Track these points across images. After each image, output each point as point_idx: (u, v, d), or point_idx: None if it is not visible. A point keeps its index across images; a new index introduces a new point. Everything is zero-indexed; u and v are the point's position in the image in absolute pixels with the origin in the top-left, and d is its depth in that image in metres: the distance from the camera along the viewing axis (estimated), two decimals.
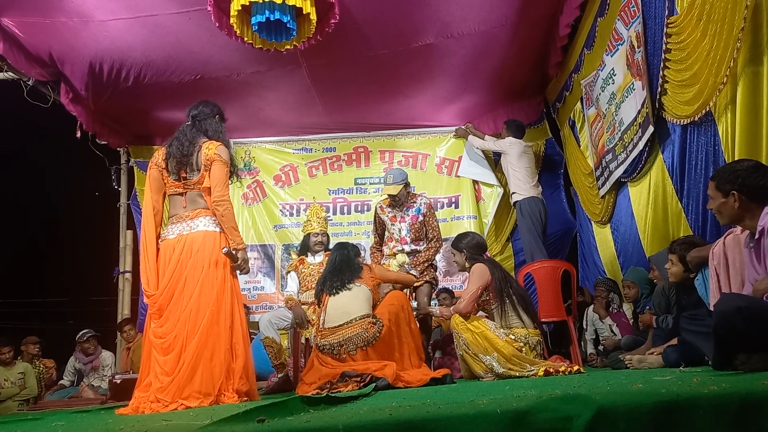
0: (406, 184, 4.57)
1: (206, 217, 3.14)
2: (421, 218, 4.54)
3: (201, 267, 3.06)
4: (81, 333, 6.28)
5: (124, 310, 6.91)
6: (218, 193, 3.10)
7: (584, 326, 5.43)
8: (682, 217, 3.71)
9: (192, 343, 2.94)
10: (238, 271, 3.20)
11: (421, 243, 4.56)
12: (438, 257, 6.54)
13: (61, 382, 6.28)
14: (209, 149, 3.14)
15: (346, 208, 7.00)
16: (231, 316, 3.09)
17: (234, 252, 3.13)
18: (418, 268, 4.43)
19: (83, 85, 5.58)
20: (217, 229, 3.14)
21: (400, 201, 4.55)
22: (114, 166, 7.20)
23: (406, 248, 4.53)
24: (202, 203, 3.16)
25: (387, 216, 4.65)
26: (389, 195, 4.54)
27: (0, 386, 5.77)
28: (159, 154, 3.24)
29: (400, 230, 4.57)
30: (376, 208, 4.82)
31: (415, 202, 4.59)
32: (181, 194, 3.18)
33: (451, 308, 3.94)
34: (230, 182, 3.24)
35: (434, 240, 4.54)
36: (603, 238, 5.59)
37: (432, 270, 4.54)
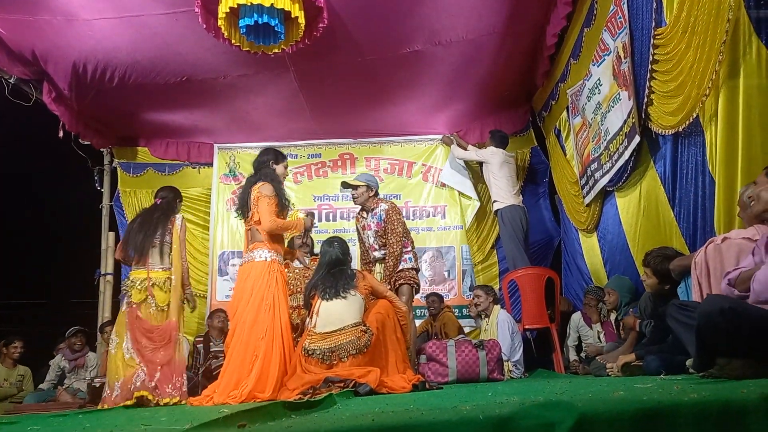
0: (367, 187, 4.54)
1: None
2: (383, 224, 4.51)
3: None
4: (70, 329, 6.18)
5: (104, 313, 6.78)
6: None
7: (567, 332, 5.46)
8: (674, 225, 3.74)
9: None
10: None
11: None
12: (424, 266, 6.56)
13: (46, 381, 6.07)
14: None
15: (331, 215, 6.98)
16: None
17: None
18: (387, 280, 4.39)
19: (67, 84, 5.50)
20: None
21: (357, 201, 4.59)
22: (97, 167, 7.10)
23: (377, 254, 4.56)
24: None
25: (360, 225, 4.70)
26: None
27: None
28: None
29: (369, 237, 4.61)
30: (356, 218, 4.84)
31: (378, 208, 4.56)
32: None
33: None
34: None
35: (391, 253, 4.41)
36: (589, 246, 5.62)
37: (413, 272, 4.50)
